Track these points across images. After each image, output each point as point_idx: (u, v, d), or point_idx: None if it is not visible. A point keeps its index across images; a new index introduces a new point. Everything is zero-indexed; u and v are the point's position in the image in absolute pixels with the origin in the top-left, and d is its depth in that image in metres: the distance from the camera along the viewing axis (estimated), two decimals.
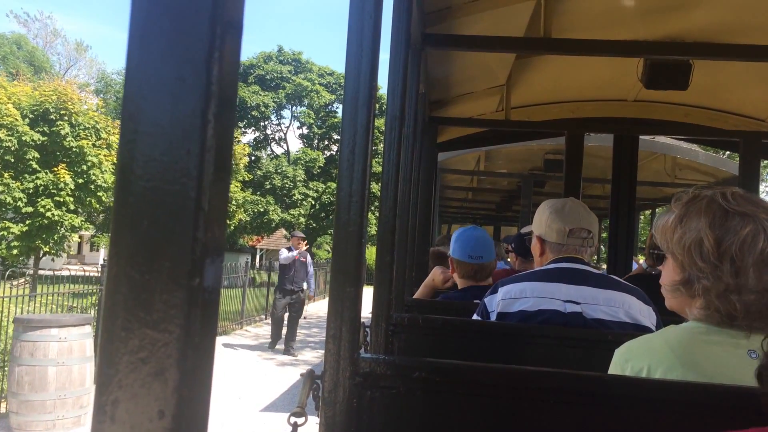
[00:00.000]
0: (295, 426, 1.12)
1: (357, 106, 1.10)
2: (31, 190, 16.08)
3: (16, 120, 15.74)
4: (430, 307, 2.59)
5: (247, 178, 29.45)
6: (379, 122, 18.86)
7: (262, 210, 33.75)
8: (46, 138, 16.25)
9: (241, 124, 36.95)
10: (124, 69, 0.37)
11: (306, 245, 10.38)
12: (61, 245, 17.21)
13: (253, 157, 37.28)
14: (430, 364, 1.21)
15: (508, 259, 4.69)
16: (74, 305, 8.50)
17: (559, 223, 1.92)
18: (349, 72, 1.10)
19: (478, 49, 3.03)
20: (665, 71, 3.22)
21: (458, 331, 1.98)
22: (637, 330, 1.75)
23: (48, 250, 16.79)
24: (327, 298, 1.13)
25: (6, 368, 5.78)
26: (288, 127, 41.87)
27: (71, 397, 5.28)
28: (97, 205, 17.42)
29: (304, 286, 9.89)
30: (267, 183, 35.08)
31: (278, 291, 9.68)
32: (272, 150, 41.41)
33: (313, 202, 35.59)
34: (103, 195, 17.07)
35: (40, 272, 14.96)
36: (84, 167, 16.57)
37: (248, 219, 32.55)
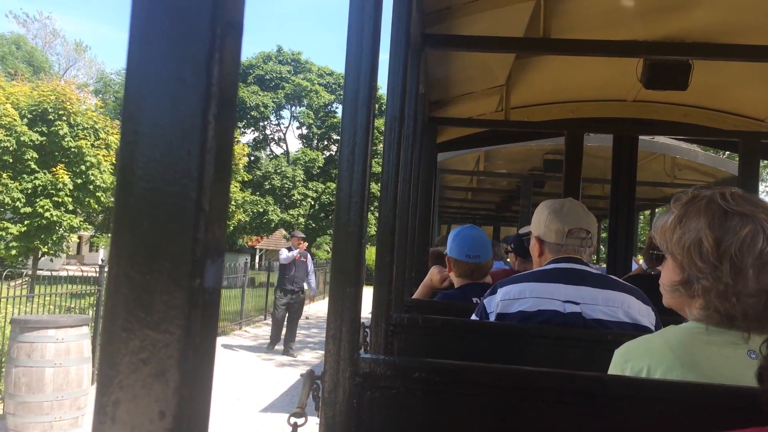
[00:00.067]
0: (295, 426, 1.12)
1: (357, 107, 1.10)
2: (29, 191, 16.06)
3: (15, 120, 15.73)
4: (430, 307, 2.59)
5: (246, 179, 29.45)
6: (379, 122, 18.88)
7: (261, 210, 33.75)
8: (44, 138, 16.24)
9: (240, 124, 36.95)
10: (123, 69, 0.37)
11: (305, 245, 10.36)
12: (60, 246, 17.20)
13: (252, 158, 37.29)
14: (429, 365, 1.21)
15: (508, 260, 4.69)
16: (72, 306, 8.49)
17: (558, 224, 1.92)
18: (348, 72, 1.10)
19: (477, 50, 3.03)
20: (665, 71, 3.22)
21: (458, 331, 1.98)
22: (637, 330, 1.75)
23: (46, 250, 16.78)
24: (327, 299, 1.13)
25: (3, 369, 5.77)
26: (287, 128, 41.89)
27: (68, 398, 5.25)
28: (96, 206, 17.42)
29: (305, 286, 9.87)
30: (266, 183, 35.09)
31: (279, 291, 9.63)
32: (271, 150, 41.42)
33: (313, 203, 35.59)
34: (102, 195, 17.06)
35: (39, 272, 14.95)
36: (83, 167, 16.56)
37: (247, 219, 32.56)
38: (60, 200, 16.15)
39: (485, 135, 4.95)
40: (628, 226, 4.57)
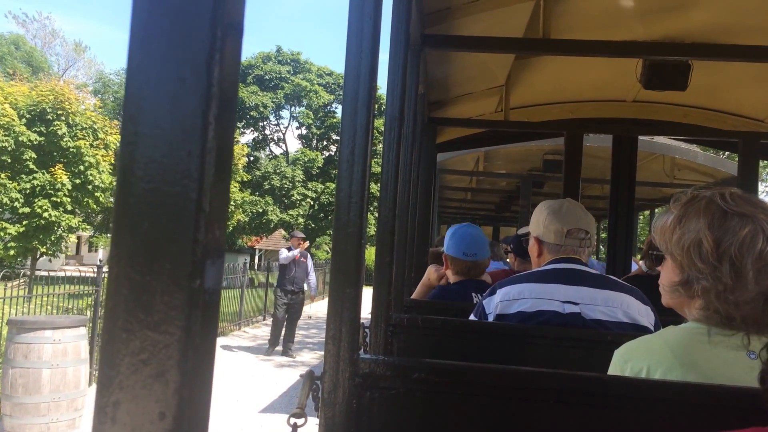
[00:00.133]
0: (294, 427, 1.12)
1: (356, 107, 1.10)
2: (27, 191, 16.06)
3: (13, 120, 15.73)
4: (430, 307, 2.59)
5: (245, 179, 29.46)
6: (379, 122, 18.88)
7: (260, 210, 33.75)
8: (43, 138, 16.24)
9: (239, 125, 36.96)
10: (122, 70, 0.37)
11: (306, 244, 10.32)
12: (58, 246, 17.19)
13: (251, 158, 37.31)
14: (429, 365, 1.21)
15: (507, 260, 4.70)
16: (70, 306, 8.47)
17: (557, 224, 1.92)
18: (348, 72, 1.10)
19: (477, 50, 3.03)
20: (664, 72, 3.22)
21: (458, 331, 1.98)
22: (636, 330, 1.75)
23: (45, 250, 16.78)
24: (326, 299, 1.13)
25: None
26: (287, 128, 41.89)
27: (65, 399, 5.22)
28: (95, 206, 17.41)
29: (305, 286, 9.82)
30: (266, 183, 35.09)
31: (279, 291, 9.57)
32: (271, 150, 41.43)
33: (312, 203, 35.60)
34: (101, 195, 17.06)
35: (37, 273, 14.94)
36: (81, 167, 16.56)
37: (247, 219, 32.56)
38: (58, 200, 16.14)
39: (485, 135, 4.95)
40: (627, 227, 4.57)
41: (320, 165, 36.41)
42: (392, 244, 1.65)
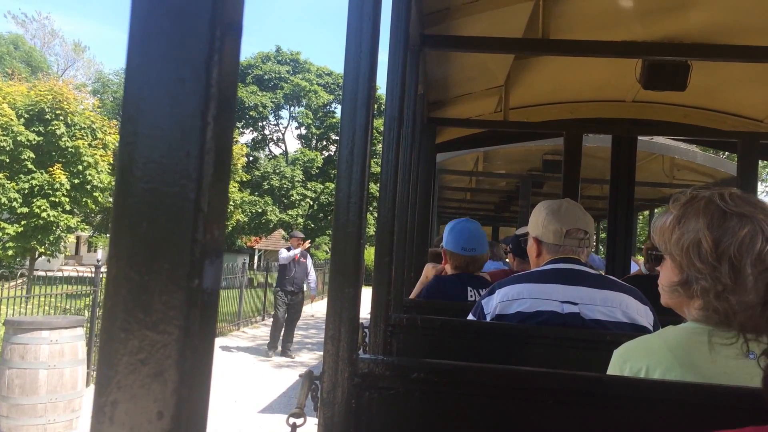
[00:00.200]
0: (293, 427, 1.12)
1: (356, 107, 1.10)
2: (26, 191, 16.05)
3: (11, 120, 15.72)
4: (429, 307, 2.59)
5: (245, 179, 29.47)
6: (378, 123, 18.88)
7: (260, 210, 33.76)
8: (41, 138, 16.23)
9: (239, 125, 36.97)
10: (122, 70, 0.37)
11: (308, 244, 10.27)
12: (57, 246, 17.18)
13: (251, 158, 37.31)
14: (428, 365, 1.21)
15: (507, 260, 4.70)
16: (68, 307, 8.46)
17: (556, 224, 1.92)
18: (347, 72, 1.10)
19: (476, 50, 3.03)
20: (663, 72, 3.23)
21: (457, 331, 1.98)
22: (635, 330, 1.75)
23: (43, 250, 16.77)
24: (326, 299, 1.14)
25: None
26: (286, 128, 41.90)
27: (63, 400, 5.18)
28: (93, 206, 17.40)
29: (305, 287, 9.78)
30: (265, 183, 35.09)
31: (279, 291, 9.51)
32: (270, 150, 41.43)
33: (312, 203, 35.61)
34: (99, 195, 17.05)
35: (35, 273, 14.92)
36: (80, 167, 16.56)
37: (246, 219, 32.55)
38: (57, 200, 16.14)
39: (484, 135, 4.95)
40: (627, 227, 4.58)
41: (319, 165, 36.42)
42: (391, 244, 1.65)
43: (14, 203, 15.84)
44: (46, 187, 16.11)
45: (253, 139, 39.89)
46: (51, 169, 16.25)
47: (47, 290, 7.80)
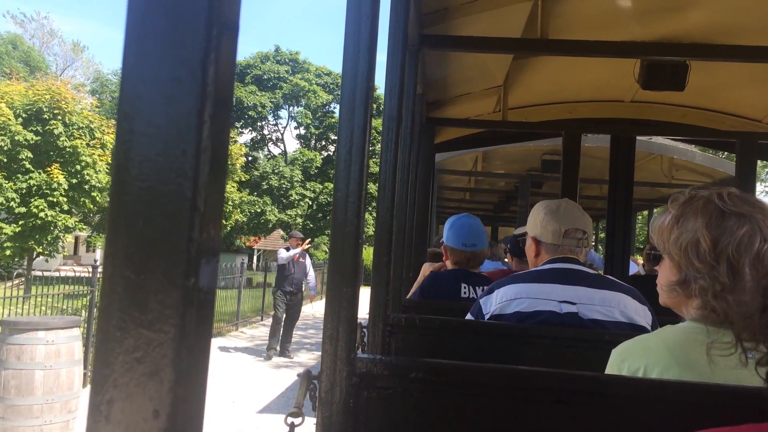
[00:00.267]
0: (292, 426, 1.12)
1: (354, 107, 1.10)
2: (24, 191, 16.03)
3: (9, 119, 15.69)
4: (428, 307, 2.59)
5: (244, 179, 29.46)
6: (377, 123, 18.88)
7: (259, 210, 33.76)
8: (39, 138, 16.21)
9: (238, 125, 36.96)
10: (120, 69, 0.37)
11: (308, 244, 10.25)
12: (55, 246, 17.15)
13: (250, 158, 37.30)
14: (426, 365, 1.21)
15: (506, 260, 4.70)
16: (65, 307, 8.44)
17: (555, 224, 1.92)
18: (346, 72, 1.10)
19: (475, 50, 3.03)
20: (662, 72, 3.23)
21: (455, 331, 1.98)
22: (633, 329, 1.76)
23: (41, 250, 16.74)
24: (324, 299, 1.13)
25: None
26: (285, 128, 41.92)
27: (59, 401, 5.15)
28: (91, 206, 17.37)
29: (303, 287, 9.76)
30: (264, 183, 35.10)
31: (278, 292, 9.45)
32: (269, 150, 41.43)
33: (311, 203, 35.61)
34: (98, 195, 17.02)
35: (33, 273, 14.90)
36: (78, 167, 16.53)
37: (245, 219, 32.55)
38: (55, 200, 16.11)
39: (483, 135, 4.96)
40: (625, 227, 4.58)
41: (318, 165, 36.42)
42: (390, 244, 1.65)
43: (12, 203, 15.82)
44: (44, 187, 16.09)
45: (252, 139, 39.90)
46: (49, 169, 16.23)
47: (45, 290, 7.78)
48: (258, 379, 7.88)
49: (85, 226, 19.51)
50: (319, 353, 1.14)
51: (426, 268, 3.00)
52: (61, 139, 16.36)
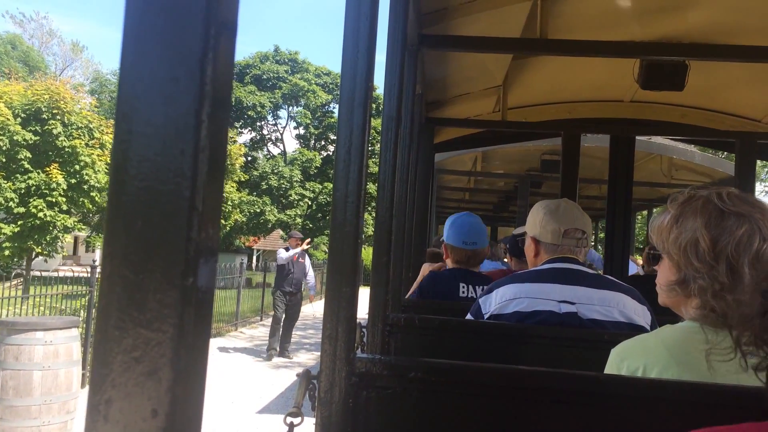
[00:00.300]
0: (291, 426, 1.12)
1: (353, 107, 1.10)
2: (22, 191, 16.02)
3: (8, 119, 15.67)
4: (427, 307, 2.59)
5: (243, 179, 29.44)
6: (376, 123, 18.88)
7: (258, 210, 33.75)
8: (38, 137, 16.19)
9: (237, 125, 36.95)
10: (118, 69, 0.37)
11: (308, 243, 10.23)
12: (54, 246, 17.13)
13: (249, 158, 37.28)
14: (426, 364, 1.21)
15: (505, 260, 4.70)
16: (64, 308, 8.43)
17: (554, 224, 1.93)
18: (345, 72, 1.11)
19: (474, 50, 3.03)
20: (661, 72, 3.23)
21: (455, 331, 1.98)
22: (632, 329, 1.76)
23: (40, 251, 16.72)
24: (323, 299, 1.13)
25: None
26: (284, 128, 41.96)
27: (57, 402, 5.13)
28: (90, 206, 17.35)
29: (303, 287, 9.74)
30: (263, 183, 35.08)
31: (277, 292, 9.42)
32: (269, 150, 41.42)
33: (310, 203, 35.61)
34: (97, 195, 17.00)
35: (32, 273, 14.89)
36: (77, 167, 16.52)
37: (244, 220, 32.53)
38: (54, 200, 16.10)
39: (482, 135, 4.96)
40: (624, 227, 4.58)
41: (318, 165, 36.42)
42: (389, 244, 1.65)
43: (11, 203, 15.81)
44: (43, 187, 16.08)
45: (251, 139, 39.88)
46: (48, 169, 16.21)
47: (43, 291, 7.76)
48: (257, 379, 7.88)
49: (84, 227, 19.48)
50: (319, 353, 1.14)
51: (425, 269, 3.00)
52: (60, 139, 16.34)
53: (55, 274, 8.90)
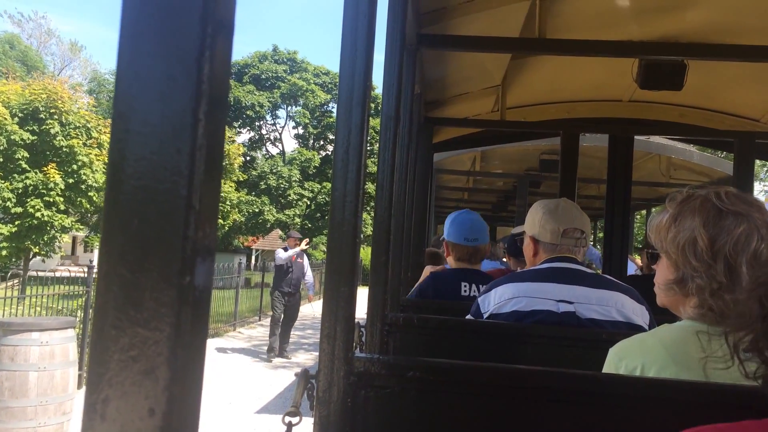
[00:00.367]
0: (289, 425, 1.12)
1: (351, 106, 1.10)
2: (20, 190, 15.98)
3: (5, 119, 15.64)
4: (426, 307, 2.59)
5: (241, 179, 29.42)
6: (375, 122, 18.89)
7: (257, 210, 33.73)
8: (35, 137, 16.16)
9: (236, 124, 36.92)
10: (115, 68, 0.37)
11: (307, 243, 10.22)
12: (52, 246, 17.09)
13: (248, 157, 37.25)
14: (424, 364, 1.21)
15: (504, 259, 4.70)
16: (61, 308, 8.40)
17: (553, 224, 1.93)
18: (343, 72, 1.11)
19: (473, 50, 3.03)
20: (660, 72, 3.23)
21: (453, 330, 1.98)
22: (631, 329, 1.76)
23: (38, 251, 16.69)
24: (321, 299, 1.13)
25: None
26: (283, 127, 41.95)
27: (53, 403, 5.09)
28: (88, 206, 17.31)
29: (302, 287, 9.72)
30: (262, 183, 35.06)
31: (276, 292, 9.40)
32: (267, 150, 41.40)
33: (309, 203, 35.59)
34: (94, 195, 16.96)
35: (29, 273, 14.86)
36: (74, 167, 16.48)
37: (243, 219, 32.51)
38: (51, 200, 16.07)
39: (481, 135, 4.96)
40: (623, 226, 4.58)
41: (317, 165, 36.40)
42: (388, 244, 1.65)
43: (8, 203, 15.77)
44: (41, 187, 16.05)
45: (250, 139, 39.85)
46: (45, 169, 16.17)
47: (40, 291, 7.74)
48: (255, 379, 7.87)
49: (82, 226, 19.45)
50: (317, 353, 1.14)
51: (428, 271, 3.00)
52: (58, 138, 16.31)
53: (52, 274, 8.86)
